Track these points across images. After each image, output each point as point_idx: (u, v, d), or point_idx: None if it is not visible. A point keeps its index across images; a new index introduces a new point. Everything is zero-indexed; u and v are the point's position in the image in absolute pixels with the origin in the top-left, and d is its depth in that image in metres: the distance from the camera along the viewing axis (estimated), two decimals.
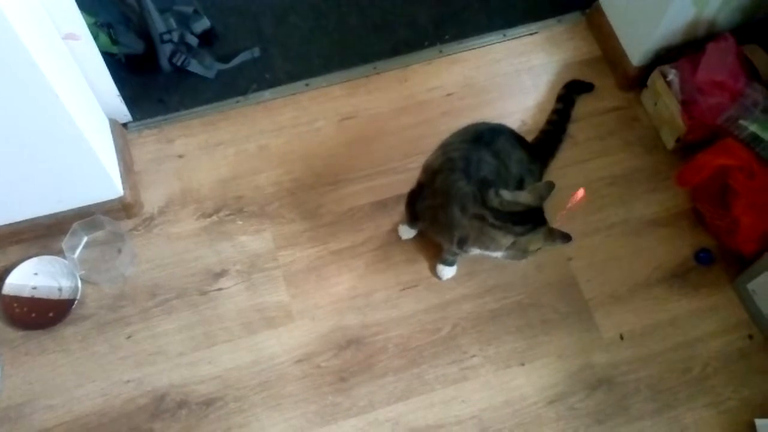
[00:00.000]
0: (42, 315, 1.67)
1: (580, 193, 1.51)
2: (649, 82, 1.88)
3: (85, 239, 1.76)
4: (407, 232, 1.74)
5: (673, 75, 1.79)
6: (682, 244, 1.78)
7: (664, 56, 1.85)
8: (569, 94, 1.90)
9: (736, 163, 1.63)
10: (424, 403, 1.61)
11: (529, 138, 1.78)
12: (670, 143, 1.85)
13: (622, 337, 1.68)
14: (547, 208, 1.44)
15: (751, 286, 1.67)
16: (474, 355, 1.66)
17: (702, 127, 1.75)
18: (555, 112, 1.87)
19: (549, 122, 1.86)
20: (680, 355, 1.66)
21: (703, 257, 1.75)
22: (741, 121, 1.67)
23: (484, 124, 1.61)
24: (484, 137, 1.53)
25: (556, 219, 1.48)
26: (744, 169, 1.62)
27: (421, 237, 1.74)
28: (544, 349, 1.67)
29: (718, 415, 1.61)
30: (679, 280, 1.74)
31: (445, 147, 1.56)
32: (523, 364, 1.65)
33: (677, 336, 1.68)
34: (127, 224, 1.78)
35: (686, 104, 1.76)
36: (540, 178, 1.66)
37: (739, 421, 1.60)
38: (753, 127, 1.66)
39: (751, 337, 1.68)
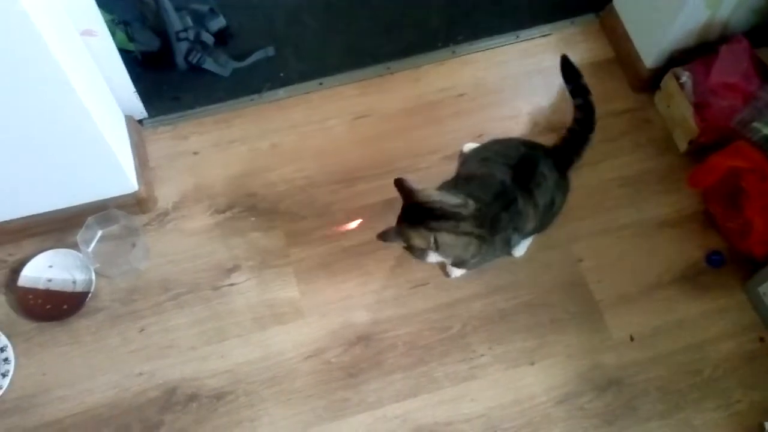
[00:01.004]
0: (56, 307, 1.70)
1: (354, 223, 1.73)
2: (662, 84, 1.87)
3: (99, 233, 1.78)
4: None
5: (686, 77, 1.79)
6: (693, 246, 1.77)
7: (678, 58, 1.85)
8: (575, 80, 1.64)
9: (749, 165, 1.63)
10: (433, 400, 1.62)
11: (542, 139, 1.78)
12: (683, 145, 1.85)
13: (632, 338, 1.67)
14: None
15: (762, 288, 1.66)
16: (483, 354, 1.66)
17: (715, 129, 1.74)
18: (577, 108, 1.64)
19: (575, 120, 1.65)
20: (690, 357, 1.66)
21: (714, 259, 1.74)
22: (754, 124, 1.67)
23: (524, 145, 1.61)
24: (527, 163, 1.54)
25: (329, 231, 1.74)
26: (756, 171, 1.62)
27: None
28: (554, 349, 1.67)
29: (728, 417, 1.60)
30: (689, 281, 1.73)
31: (486, 160, 1.57)
32: (532, 364, 1.65)
33: (687, 338, 1.68)
34: (141, 219, 1.79)
35: (699, 106, 1.76)
36: (567, 189, 1.65)
37: (748, 424, 1.59)
38: (766, 130, 1.65)
39: (762, 339, 1.68)
